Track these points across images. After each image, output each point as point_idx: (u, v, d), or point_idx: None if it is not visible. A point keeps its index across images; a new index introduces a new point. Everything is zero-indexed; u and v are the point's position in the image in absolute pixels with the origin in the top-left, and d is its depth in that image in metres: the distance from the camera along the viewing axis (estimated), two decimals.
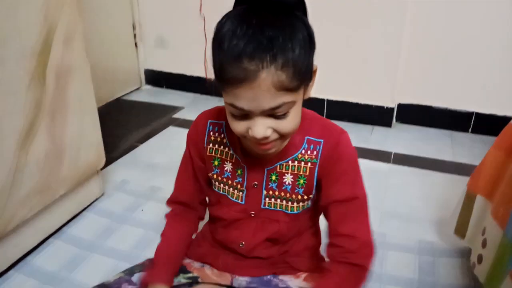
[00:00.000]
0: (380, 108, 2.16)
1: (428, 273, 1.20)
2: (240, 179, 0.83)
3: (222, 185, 0.85)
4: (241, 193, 0.83)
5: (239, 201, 0.84)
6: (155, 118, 2.25)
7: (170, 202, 0.95)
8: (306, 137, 0.79)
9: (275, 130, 0.67)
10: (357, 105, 2.19)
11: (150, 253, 1.22)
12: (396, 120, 2.22)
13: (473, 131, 2.11)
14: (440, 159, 1.86)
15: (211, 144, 0.84)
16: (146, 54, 2.67)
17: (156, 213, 1.44)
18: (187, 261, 0.92)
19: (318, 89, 2.13)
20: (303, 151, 0.79)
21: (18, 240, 1.21)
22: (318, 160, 0.78)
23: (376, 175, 1.72)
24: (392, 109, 2.15)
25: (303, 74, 0.65)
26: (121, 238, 1.33)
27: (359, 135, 2.08)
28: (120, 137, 2.03)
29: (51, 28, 1.17)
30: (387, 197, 1.56)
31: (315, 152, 0.78)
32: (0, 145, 1.08)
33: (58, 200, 1.32)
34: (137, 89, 2.69)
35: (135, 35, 2.60)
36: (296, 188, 0.80)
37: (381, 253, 1.27)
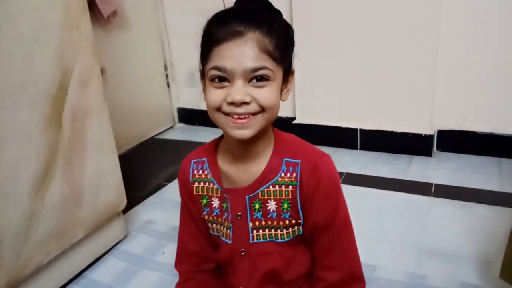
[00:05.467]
0: (418, 136, 2.02)
1: None
2: (226, 214, 0.82)
3: (214, 225, 0.85)
4: (228, 230, 0.81)
5: (227, 240, 0.82)
6: (184, 156, 2.22)
7: (178, 262, 0.93)
8: (284, 159, 0.78)
9: (253, 100, 0.68)
10: (393, 133, 2.06)
11: None
12: (437, 148, 2.06)
13: None
14: (487, 189, 1.69)
15: (196, 183, 0.85)
16: (179, 92, 2.71)
17: None
18: None
19: (350, 118, 2.09)
20: (283, 174, 0.77)
21: (36, 286, 1.19)
22: (298, 183, 0.76)
23: (416, 209, 1.57)
24: (432, 136, 2.01)
25: (284, 53, 0.71)
26: (139, 283, 1.29)
27: (397, 166, 1.95)
28: (149, 176, 2.03)
29: (66, 72, 1.19)
30: (427, 234, 1.41)
31: (294, 174, 0.77)
32: (14, 191, 1.08)
33: (78, 244, 1.30)
34: (171, 127, 2.72)
35: (167, 75, 2.65)
36: (282, 213, 0.78)
37: None
